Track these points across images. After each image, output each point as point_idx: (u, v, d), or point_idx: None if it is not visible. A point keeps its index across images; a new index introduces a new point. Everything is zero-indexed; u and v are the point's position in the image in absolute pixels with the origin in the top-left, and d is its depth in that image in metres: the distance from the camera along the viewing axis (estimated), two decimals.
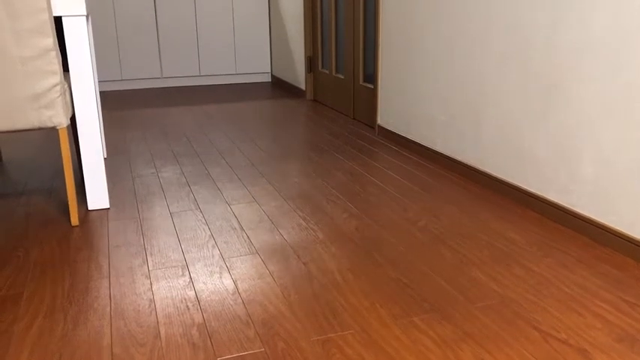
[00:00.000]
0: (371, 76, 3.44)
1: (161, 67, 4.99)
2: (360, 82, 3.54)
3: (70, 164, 1.95)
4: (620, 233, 1.71)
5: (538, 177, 2.03)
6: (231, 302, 1.46)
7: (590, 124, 1.78)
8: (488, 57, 2.23)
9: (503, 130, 2.19)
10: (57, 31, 2.88)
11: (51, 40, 1.80)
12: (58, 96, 1.86)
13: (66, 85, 1.96)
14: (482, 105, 2.31)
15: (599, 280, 1.55)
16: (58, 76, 1.85)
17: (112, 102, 4.40)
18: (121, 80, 4.93)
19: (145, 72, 4.95)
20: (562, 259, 1.68)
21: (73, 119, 2.27)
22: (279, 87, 5.00)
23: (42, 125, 1.88)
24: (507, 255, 1.71)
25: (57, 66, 1.83)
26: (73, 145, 3.05)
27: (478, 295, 1.48)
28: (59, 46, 2.47)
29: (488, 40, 2.22)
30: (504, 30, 2.12)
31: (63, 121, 1.90)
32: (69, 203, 1.96)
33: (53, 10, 1.88)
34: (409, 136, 2.92)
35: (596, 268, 1.62)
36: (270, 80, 5.34)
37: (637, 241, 1.66)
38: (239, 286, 1.54)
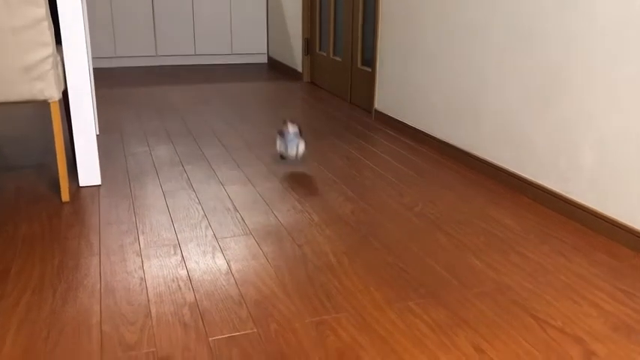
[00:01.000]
0: (369, 60, 3.40)
1: (156, 45, 4.92)
2: (358, 66, 3.50)
3: (62, 139, 1.91)
4: (617, 222, 1.70)
5: (536, 164, 2.02)
6: (224, 282, 1.43)
7: (591, 113, 1.76)
8: (489, 43, 2.20)
9: (502, 116, 2.17)
10: (50, 3, 2.81)
11: (43, 10, 1.75)
12: (50, 68, 1.82)
13: (58, 58, 1.91)
14: (481, 91, 2.28)
15: (596, 269, 1.54)
16: (50, 48, 1.80)
17: (105, 79, 4.34)
18: (115, 57, 4.86)
19: (139, 49, 4.88)
20: (559, 247, 1.66)
21: (65, 94, 2.22)
22: (275, 68, 4.95)
23: (33, 98, 1.83)
24: (504, 242, 1.70)
25: (49, 37, 1.79)
26: (65, 121, 3.00)
27: (474, 282, 1.46)
28: (52, 17, 2.41)
29: (489, 26, 2.19)
30: (506, 17, 2.09)
31: (54, 94, 1.85)
32: (60, 179, 1.93)
33: None
34: (406, 121, 2.89)
35: (592, 256, 1.61)
36: (266, 61, 5.27)
37: (634, 231, 1.64)
38: (232, 266, 1.52)
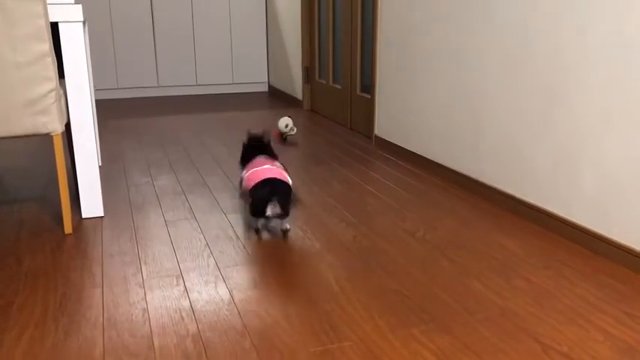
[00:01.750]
0: (368, 87, 3.43)
1: (157, 75, 4.98)
2: (358, 92, 3.54)
3: (65, 171, 1.92)
4: (621, 245, 1.69)
5: (537, 188, 2.02)
6: (227, 312, 1.43)
7: (592, 136, 1.77)
8: (488, 68, 2.23)
9: (503, 141, 2.18)
10: (53, 37, 2.86)
11: (47, 46, 1.78)
12: (53, 102, 1.84)
13: (61, 92, 1.93)
14: (481, 116, 2.30)
15: (601, 293, 1.53)
16: (54, 82, 1.82)
17: (107, 110, 4.38)
18: (117, 89, 4.91)
19: (141, 81, 4.94)
20: (562, 271, 1.66)
21: (68, 126, 2.25)
22: (276, 97, 4.99)
23: (36, 131, 1.85)
24: (507, 266, 1.69)
25: (52, 72, 1.81)
26: (68, 153, 3.02)
27: (478, 307, 1.45)
28: (55, 51, 2.45)
29: (487, 51, 2.22)
30: (504, 41, 2.12)
31: (57, 128, 1.87)
32: (63, 211, 1.93)
33: (50, 15, 1.87)
34: (407, 147, 2.90)
35: (597, 280, 1.60)
36: (267, 90, 5.33)
37: (638, 254, 1.64)
38: (235, 295, 1.51)
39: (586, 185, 1.81)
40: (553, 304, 1.47)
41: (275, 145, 3.04)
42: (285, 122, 3.25)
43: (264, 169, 1.88)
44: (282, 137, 3.31)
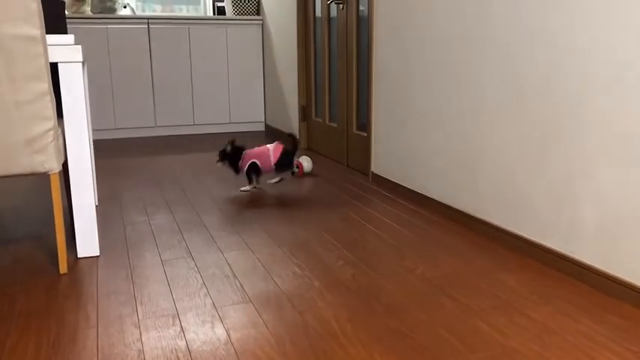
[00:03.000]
0: (364, 125, 3.46)
1: (155, 116, 5.01)
2: (354, 131, 3.56)
3: (61, 211, 1.91)
4: (623, 282, 1.68)
5: (537, 224, 2.01)
6: (224, 353, 1.40)
7: (590, 171, 1.78)
8: (484, 103, 2.25)
9: (501, 177, 2.19)
10: (52, 76, 2.89)
11: (46, 85, 1.79)
12: (51, 141, 1.84)
13: (59, 131, 1.94)
14: (478, 152, 2.31)
15: (604, 329, 1.50)
16: (52, 121, 1.83)
17: (105, 150, 4.39)
18: (115, 129, 4.94)
19: (138, 121, 4.97)
20: (564, 308, 1.64)
21: (65, 165, 2.25)
22: (272, 136, 5.02)
23: (34, 170, 1.85)
24: (508, 304, 1.67)
25: (51, 111, 1.82)
26: (64, 192, 3.01)
27: (480, 345, 1.43)
28: (54, 91, 2.47)
29: (483, 86, 2.25)
30: (500, 77, 2.15)
31: (55, 167, 1.87)
32: (58, 250, 1.91)
33: (50, 56, 1.89)
34: (404, 184, 2.91)
35: (600, 317, 1.58)
36: (263, 129, 5.37)
37: None
38: (232, 335, 1.48)
39: (586, 221, 1.80)
40: (556, 342, 1.44)
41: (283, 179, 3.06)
42: (307, 160, 3.50)
43: (275, 146, 3.02)
44: (293, 172, 3.45)
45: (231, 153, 2.99)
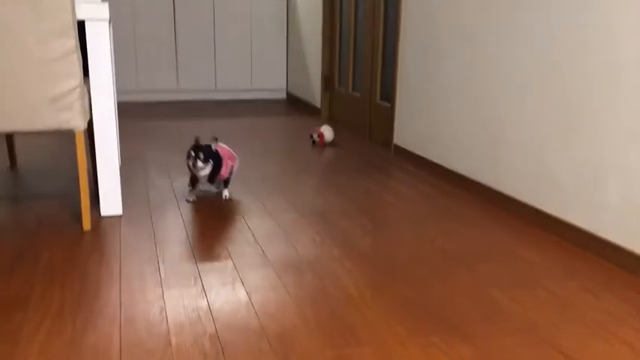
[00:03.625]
0: (388, 95, 3.42)
1: (177, 79, 5.01)
2: (377, 101, 3.53)
3: (85, 168, 1.93)
4: None
5: (560, 200, 1.99)
6: (245, 313, 1.41)
7: (616, 148, 1.74)
8: (511, 78, 2.20)
9: (524, 151, 2.15)
10: (79, 36, 2.89)
11: (73, 42, 1.79)
12: (77, 99, 1.85)
13: (85, 89, 1.95)
14: (502, 125, 2.28)
15: (626, 307, 1.49)
16: (78, 79, 1.84)
17: (127, 112, 4.41)
18: (138, 91, 4.95)
19: (161, 84, 4.98)
20: (586, 284, 1.62)
21: (90, 124, 2.26)
22: (294, 104, 5.00)
23: (59, 127, 1.86)
24: (529, 278, 1.66)
25: (77, 68, 1.83)
26: (88, 151, 3.04)
27: (500, 317, 1.43)
28: (80, 50, 2.47)
29: (512, 61, 2.20)
30: (529, 53, 2.10)
31: (80, 125, 1.88)
32: (82, 208, 1.94)
33: (77, 13, 1.88)
34: (426, 156, 2.88)
35: (622, 294, 1.56)
36: (285, 97, 5.34)
37: None
38: (252, 297, 1.50)
39: (610, 198, 1.77)
40: (577, 317, 1.43)
41: (301, 148, 3.05)
42: (328, 130, 3.42)
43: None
44: (314, 141, 3.43)
45: (212, 157, 2.21)
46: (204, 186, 2.36)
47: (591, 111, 1.83)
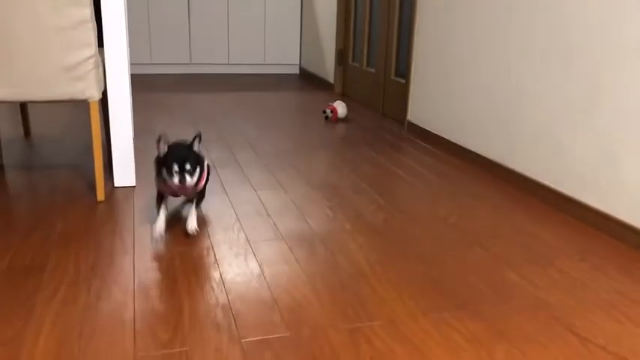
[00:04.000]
0: (403, 71, 3.38)
1: (190, 53, 4.99)
2: (392, 77, 3.49)
3: (99, 138, 1.94)
4: None
5: (576, 180, 1.97)
6: (257, 285, 1.42)
7: (633, 128, 1.71)
8: (528, 55, 2.16)
9: (541, 130, 2.13)
10: (94, 5, 2.87)
11: (88, 11, 1.78)
12: (92, 69, 1.85)
13: (100, 60, 1.94)
14: (518, 103, 2.24)
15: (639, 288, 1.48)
16: (93, 49, 1.83)
17: (140, 85, 4.41)
18: (151, 64, 4.94)
19: (174, 57, 4.95)
20: (601, 266, 1.61)
21: (104, 95, 2.26)
22: (307, 79, 4.97)
23: (73, 97, 1.86)
24: (542, 257, 1.65)
25: (92, 38, 1.82)
26: (102, 122, 3.05)
27: (512, 295, 1.42)
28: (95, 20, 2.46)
29: (529, 38, 2.16)
30: (548, 29, 2.05)
31: (95, 95, 1.88)
32: (96, 178, 1.95)
33: None
34: (440, 133, 2.86)
35: (636, 275, 1.55)
36: (298, 72, 5.30)
37: None
38: (265, 270, 1.51)
39: (627, 180, 1.75)
40: (589, 297, 1.43)
41: (314, 123, 3.04)
42: (341, 106, 3.39)
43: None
44: (326, 117, 3.41)
45: (198, 164, 1.62)
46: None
47: (609, 89, 1.79)
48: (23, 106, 2.76)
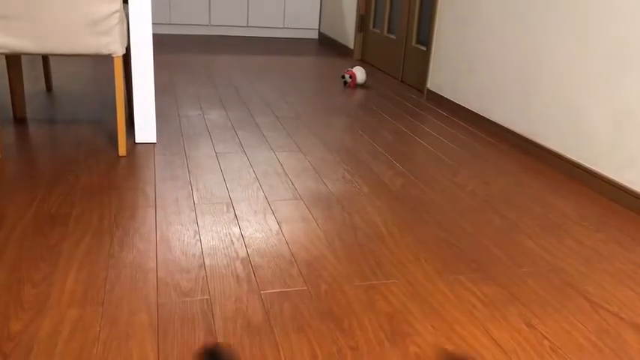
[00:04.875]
0: (425, 38, 3.35)
1: (210, 14, 4.95)
2: (413, 44, 3.45)
3: (122, 93, 1.95)
4: None
5: (595, 152, 1.96)
6: (275, 241, 1.45)
7: None
8: (549, 25, 2.13)
9: (560, 101, 2.11)
10: None
11: None
12: (117, 23, 1.85)
13: (124, 15, 1.94)
14: (538, 73, 2.22)
15: None
16: (118, 4, 1.83)
17: (159, 45, 4.40)
18: (170, 24, 4.92)
19: (193, 18, 4.93)
20: (616, 236, 1.62)
21: (127, 51, 2.27)
22: (326, 45, 4.92)
23: (98, 52, 1.87)
24: (558, 226, 1.66)
25: None
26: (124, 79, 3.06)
27: (527, 261, 1.44)
28: None
29: (550, 7, 2.12)
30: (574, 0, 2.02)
31: (119, 50, 1.89)
32: (118, 133, 1.97)
33: None
34: (460, 102, 2.84)
35: None
36: (317, 37, 5.25)
37: None
38: (283, 227, 1.53)
39: None
40: (604, 266, 1.44)
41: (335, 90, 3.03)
42: (361, 72, 3.37)
43: None
44: (345, 82, 3.39)
45: None
46: None
47: (632, 62, 1.77)
48: (45, 60, 2.78)
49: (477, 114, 2.67)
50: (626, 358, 1.09)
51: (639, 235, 1.63)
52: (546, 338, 1.14)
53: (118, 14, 1.84)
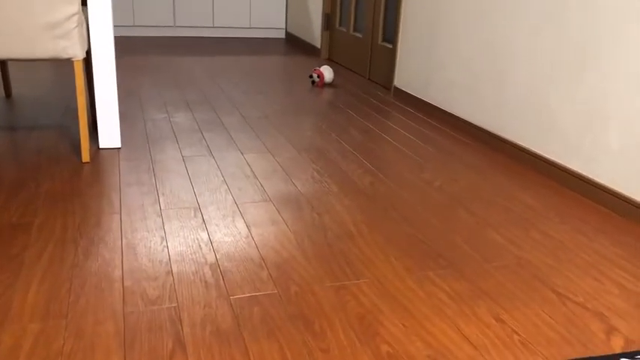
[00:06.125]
0: (390, 36, 3.36)
1: (174, 15, 4.89)
2: (379, 42, 3.46)
3: (84, 98, 1.91)
4: None
5: (561, 145, 1.99)
6: (245, 245, 1.43)
7: (621, 94, 1.73)
8: (519, 20, 2.16)
9: (528, 96, 2.14)
10: None
11: None
12: (75, 27, 1.81)
13: (83, 18, 1.90)
14: (506, 69, 2.25)
15: (619, 249, 1.52)
16: (76, 6, 1.79)
17: (123, 48, 4.32)
18: (134, 26, 4.84)
19: (158, 20, 4.86)
20: (581, 228, 1.65)
21: (87, 55, 2.22)
22: (293, 44, 4.91)
23: (57, 56, 1.83)
24: (525, 220, 1.68)
25: None
26: (85, 83, 2.99)
27: (494, 255, 1.46)
28: None
29: (519, 4, 2.15)
30: None
31: (78, 53, 1.85)
32: (81, 138, 1.93)
33: None
34: (427, 99, 2.86)
35: (615, 237, 1.60)
36: (284, 37, 5.23)
37: None
38: (252, 230, 1.52)
39: (611, 144, 1.78)
40: (569, 258, 1.47)
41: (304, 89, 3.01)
42: (328, 71, 3.37)
43: None
44: (313, 81, 3.37)
45: None
46: None
47: (602, 57, 1.81)
48: (4, 65, 2.70)
49: (443, 110, 2.70)
50: (592, 348, 1.11)
51: (603, 226, 1.66)
52: (516, 332, 1.15)
53: (76, 17, 1.80)
